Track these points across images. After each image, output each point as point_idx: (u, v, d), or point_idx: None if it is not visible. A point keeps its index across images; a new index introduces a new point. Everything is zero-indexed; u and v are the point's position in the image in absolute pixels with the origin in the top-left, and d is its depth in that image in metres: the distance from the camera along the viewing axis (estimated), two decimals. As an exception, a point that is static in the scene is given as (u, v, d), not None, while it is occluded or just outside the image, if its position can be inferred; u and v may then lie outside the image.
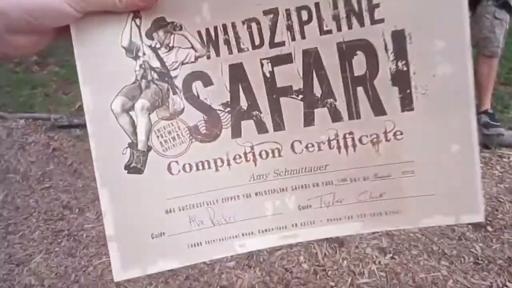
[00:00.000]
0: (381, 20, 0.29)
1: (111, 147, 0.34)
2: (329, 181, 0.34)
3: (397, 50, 0.30)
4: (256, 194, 0.35)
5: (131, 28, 0.33)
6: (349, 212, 0.34)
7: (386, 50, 0.30)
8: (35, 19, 0.30)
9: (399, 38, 0.29)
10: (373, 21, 0.30)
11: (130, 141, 0.34)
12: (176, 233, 0.35)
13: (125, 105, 0.34)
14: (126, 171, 0.34)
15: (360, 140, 0.32)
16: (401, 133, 0.32)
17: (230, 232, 0.35)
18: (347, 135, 0.33)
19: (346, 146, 0.33)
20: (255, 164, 0.34)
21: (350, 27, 0.30)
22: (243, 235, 0.35)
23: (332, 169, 0.33)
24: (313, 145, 0.33)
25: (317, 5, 0.30)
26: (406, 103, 0.31)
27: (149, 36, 0.33)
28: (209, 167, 0.35)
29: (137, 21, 0.33)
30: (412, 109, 0.31)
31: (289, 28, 0.31)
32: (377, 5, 0.29)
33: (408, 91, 0.31)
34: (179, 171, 0.34)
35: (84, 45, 0.33)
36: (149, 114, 0.34)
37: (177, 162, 0.34)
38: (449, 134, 0.31)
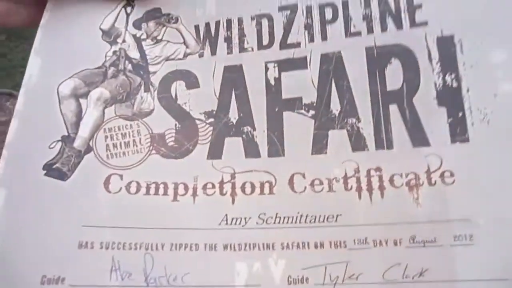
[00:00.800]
0: (424, 23, 0.25)
1: (37, 135, 0.25)
2: (340, 241, 0.23)
3: (445, 60, 0.24)
4: (225, 247, 0.24)
5: (118, 14, 0.29)
6: None
7: (430, 59, 0.24)
8: None
9: (447, 45, 0.24)
10: (414, 24, 0.25)
11: (66, 134, 0.26)
12: (84, 284, 0.22)
13: (78, 89, 0.27)
14: (45, 171, 0.25)
15: (391, 181, 0.23)
16: (452, 175, 0.23)
17: None
18: (372, 172, 0.24)
19: (370, 189, 0.24)
20: (233, 201, 0.24)
21: (384, 29, 0.25)
22: (190, 312, 0.22)
23: (347, 222, 0.23)
24: (321, 182, 0.24)
25: (345, 3, 0.26)
26: (458, 132, 0.23)
27: (137, 25, 0.29)
28: (165, 193, 0.25)
29: (128, 9, 0.29)
30: (467, 140, 0.23)
31: (308, 27, 0.26)
32: (419, 6, 0.25)
33: (460, 114, 0.23)
34: (120, 189, 0.25)
35: (56, 17, 0.29)
36: (105, 107, 0.27)
37: (121, 176, 0.25)
38: None
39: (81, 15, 0.29)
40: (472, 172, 0.23)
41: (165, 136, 0.26)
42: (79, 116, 0.26)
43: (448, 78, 0.24)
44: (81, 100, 0.27)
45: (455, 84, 0.24)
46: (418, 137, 0.24)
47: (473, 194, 0.22)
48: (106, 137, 0.26)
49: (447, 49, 0.24)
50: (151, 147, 0.26)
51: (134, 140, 0.26)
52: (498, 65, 0.23)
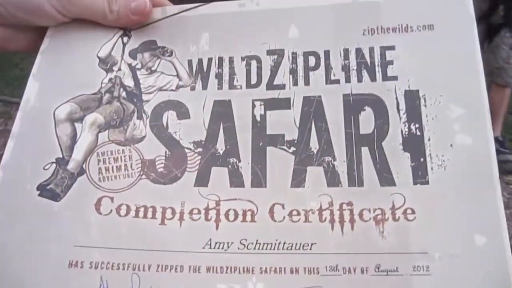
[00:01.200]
0: (394, 78, 0.29)
1: (32, 157, 0.27)
2: (314, 267, 0.26)
3: (410, 112, 0.28)
4: (208, 269, 0.26)
5: (115, 43, 0.32)
6: None
7: (398, 109, 0.28)
8: (4, 8, 0.29)
9: (412, 98, 0.28)
10: (386, 78, 0.29)
11: (60, 156, 0.27)
12: (72, 301, 0.24)
13: (74, 114, 0.29)
14: (39, 191, 0.26)
15: (360, 215, 0.27)
16: (413, 212, 0.26)
17: None
18: (344, 206, 0.27)
19: (342, 221, 0.27)
20: (217, 226, 0.27)
21: (360, 80, 0.29)
22: (173, 330, 0.24)
23: (320, 250, 0.26)
24: (299, 213, 0.27)
25: (326, 52, 0.30)
26: (420, 175, 0.27)
27: (133, 55, 0.32)
28: (153, 217, 0.27)
29: (125, 39, 0.32)
30: (427, 183, 0.27)
31: (293, 72, 0.30)
32: (391, 62, 0.29)
33: (422, 159, 0.27)
34: (111, 211, 0.27)
35: (55, 43, 0.31)
36: (99, 132, 0.29)
37: (111, 199, 0.27)
38: (472, 222, 0.26)
39: (79, 43, 0.31)
40: (430, 211, 0.26)
41: (155, 162, 0.29)
42: (73, 139, 0.28)
43: (412, 127, 0.28)
44: (76, 124, 0.29)
45: (418, 133, 0.28)
46: (385, 177, 0.27)
47: (430, 230, 0.26)
48: (99, 160, 0.28)
49: (413, 101, 0.28)
50: (142, 172, 0.28)
51: (125, 165, 0.28)
52: (455, 119, 0.28)
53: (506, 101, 1.73)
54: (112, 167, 0.28)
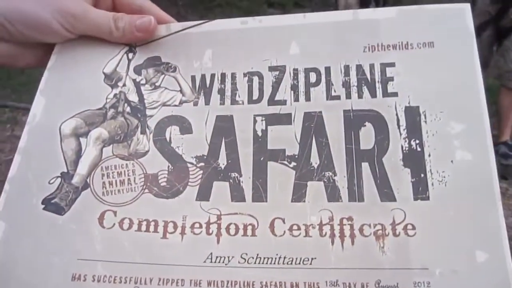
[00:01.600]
0: (395, 94, 0.29)
1: (38, 171, 0.28)
2: (314, 282, 0.26)
3: (411, 128, 0.28)
4: (209, 283, 0.26)
5: (120, 59, 0.33)
6: None
7: (399, 125, 0.29)
8: (12, 26, 0.30)
9: (413, 115, 0.29)
10: (386, 94, 0.29)
11: (65, 170, 0.28)
12: (74, 315, 0.24)
13: (79, 129, 0.30)
14: (43, 205, 0.27)
15: (361, 230, 0.27)
16: (413, 228, 0.27)
17: None
18: (345, 221, 0.27)
19: (342, 236, 0.27)
20: (218, 241, 0.27)
21: (360, 96, 0.30)
22: None
23: (320, 265, 0.27)
24: (299, 228, 0.27)
25: (327, 69, 0.30)
26: (420, 190, 0.27)
27: (137, 71, 0.33)
28: (155, 230, 0.27)
29: (130, 55, 0.33)
30: (427, 198, 0.27)
31: (294, 88, 0.31)
32: (391, 78, 0.30)
33: (422, 175, 0.27)
34: (114, 225, 0.27)
35: (62, 60, 0.32)
36: (103, 146, 0.29)
37: (114, 212, 0.28)
38: (473, 238, 0.26)
39: (86, 59, 0.32)
40: (431, 226, 0.27)
41: (158, 176, 0.29)
42: (78, 154, 0.29)
43: (413, 143, 0.28)
44: (81, 139, 0.30)
45: (419, 149, 0.28)
46: (386, 192, 0.28)
47: (431, 246, 0.26)
48: (103, 175, 0.29)
49: (413, 118, 0.29)
50: (145, 186, 0.29)
51: (129, 179, 0.29)
52: (455, 135, 0.28)
53: None
54: (116, 181, 0.29)
